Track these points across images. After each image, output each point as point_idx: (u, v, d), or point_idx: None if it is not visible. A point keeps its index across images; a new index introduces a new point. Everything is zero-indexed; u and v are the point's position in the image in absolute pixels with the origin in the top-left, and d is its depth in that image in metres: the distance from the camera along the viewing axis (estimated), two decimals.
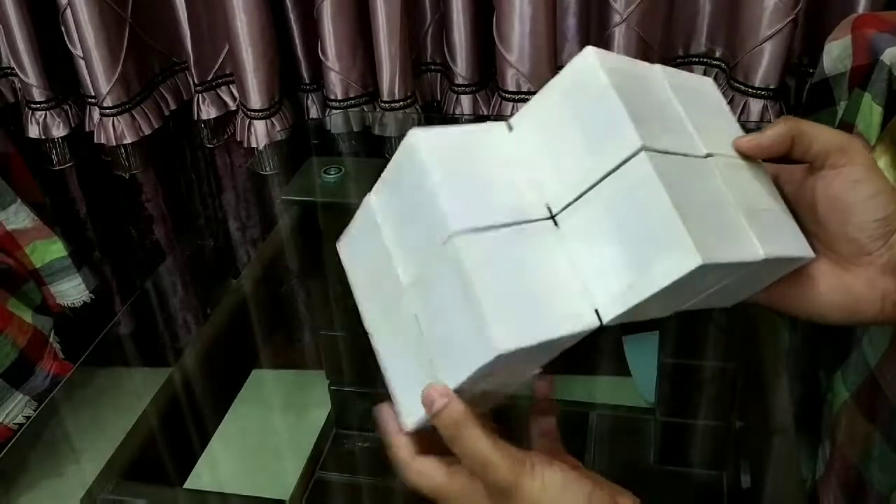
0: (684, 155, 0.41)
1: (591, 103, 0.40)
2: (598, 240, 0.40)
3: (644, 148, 0.38)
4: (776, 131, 0.43)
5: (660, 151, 0.39)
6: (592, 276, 0.40)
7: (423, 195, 0.41)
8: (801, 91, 1.08)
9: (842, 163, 0.42)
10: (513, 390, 0.45)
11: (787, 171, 0.46)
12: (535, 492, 0.39)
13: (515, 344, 0.37)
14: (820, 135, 0.43)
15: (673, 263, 0.37)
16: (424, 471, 0.43)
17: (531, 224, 0.41)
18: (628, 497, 0.41)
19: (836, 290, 0.43)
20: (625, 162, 0.39)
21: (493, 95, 1.12)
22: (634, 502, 0.41)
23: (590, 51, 0.41)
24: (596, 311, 0.39)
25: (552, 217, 0.41)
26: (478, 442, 0.39)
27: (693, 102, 0.45)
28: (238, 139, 1.19)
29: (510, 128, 0.43)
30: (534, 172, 0.42)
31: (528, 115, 0.43)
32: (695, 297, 0.43)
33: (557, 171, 0.41)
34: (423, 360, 0.41)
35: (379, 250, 0.45)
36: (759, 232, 0.41)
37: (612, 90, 0.40)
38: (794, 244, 0.43)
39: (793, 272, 0.44)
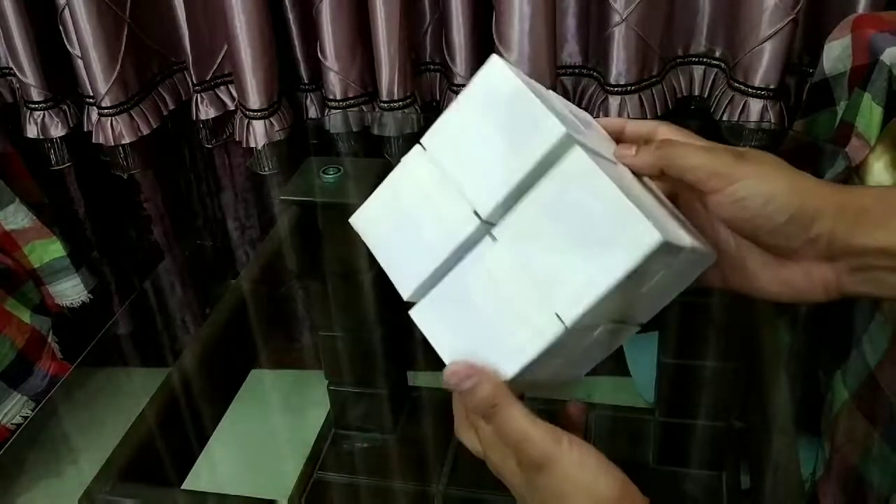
0: (600, 155, 0.42)
1: (505, 105, 0.41)
2: (547, 243, 0.40)
3: (568, 135, 0.39)
4: (643, 161, 0.44)
5: (581, 145, 0.40)
6: (547, 281, 0.40)
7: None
8: (801, 91, 1.08)
9: (719, 186, 0.41)
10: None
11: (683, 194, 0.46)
12: (572, 466, 0.39)
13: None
14: (689, 163, 0.42)
15: (633, 245, 0.37)
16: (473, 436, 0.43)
17: (468, 246, 0.42)
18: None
19: (777, 283, 0.44)
20: (552, 154, 0.39)
21: None
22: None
23: (497, 59, 0.42)
24: (557, 315, 0.39)
25: (487, 226, 0.42)
26: (514, 416, 0.40)
27: (584, 122, 0.46)
28: (237, 139, 1.19)
29: (423, 147, 0.44)
30: (457, 186, 0.42)
31: (440, 130, 0.44)
32: (636, 301, 0.43)
33: (482, 177, 0.41)
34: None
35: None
36: (680, 226, 0.42)
37: (527, 90, 0.41)
38: (704, 245, 0.44)
39: (733, 267, 0.45)
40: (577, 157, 0.39)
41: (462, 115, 0.43)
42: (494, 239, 0.42)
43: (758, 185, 0.41)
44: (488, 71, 0.42)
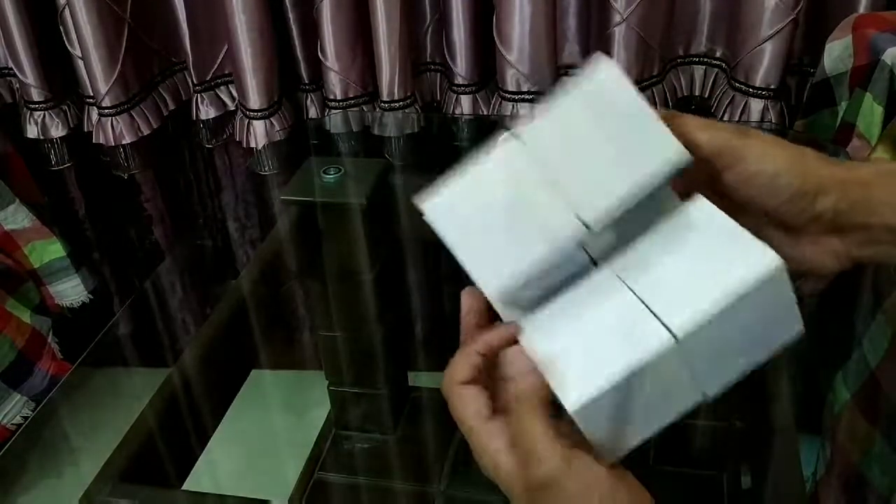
0: None
1: (617, 113, 0.40)
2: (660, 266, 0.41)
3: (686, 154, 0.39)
4: None
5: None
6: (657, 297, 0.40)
7: None
8: (802, 91, 1.08)
9: (728, 164, 0.41)
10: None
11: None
12: (577, 491, 0.38)
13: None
14: (697, 138, 0.42)
15: (750, 268, 0.38)
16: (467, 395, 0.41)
17: (568, 253, 0.40)
18: None
19: (792, 260, 0.43)
20: (670, 173, 0.39)
21: (492, 95, 1.12)
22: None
23: (607, 61, 0.40)
24: (668, 328, 0.39)
25: (590, 236, 0.40)
26: (536, 423, 0.38)
27: None
28: (237, 139, 1.19)
29: (520, 140, 0.41)
30: (562, 188, 0.40)
31: (543, 126, 0.41)
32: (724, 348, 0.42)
33: (590, 183, 0.40)
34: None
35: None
36: None
37: (642, 100, 0.39)
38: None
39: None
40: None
41: (568, 114, 0.40)
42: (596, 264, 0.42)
43: (762, 163, 0.41)
44: (599, 73, 0.40)
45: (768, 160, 0.41)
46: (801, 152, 0.41)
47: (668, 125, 0.41)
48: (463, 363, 0.42)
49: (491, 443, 0.40)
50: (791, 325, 0.41)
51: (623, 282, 0.41)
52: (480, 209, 0.40)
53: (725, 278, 0.38)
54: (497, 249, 0.40)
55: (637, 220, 0.41)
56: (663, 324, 0.38)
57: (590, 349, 0.39)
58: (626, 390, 0.39)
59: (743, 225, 0.42)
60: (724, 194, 0.43)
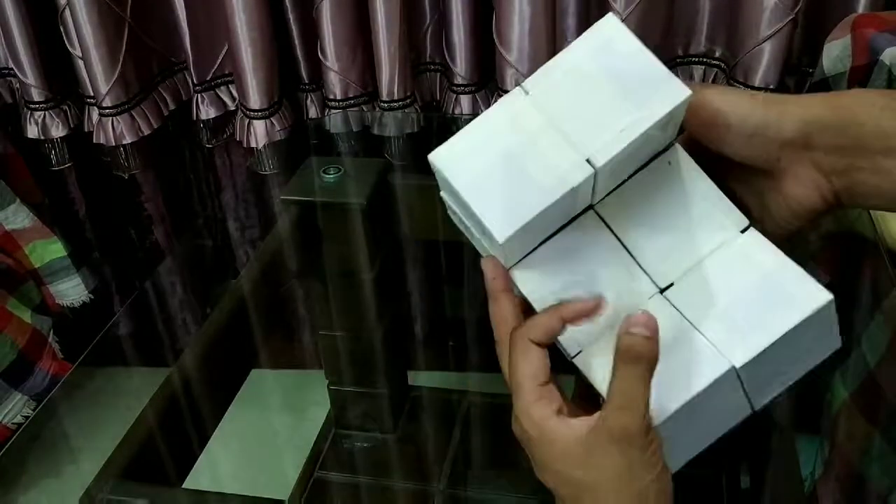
0: None
1: (621, 60, 0.40)
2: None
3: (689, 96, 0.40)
4: None
5: None
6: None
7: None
8: (801, 91, 1.08)
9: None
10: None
11: None
12: (646, 458, 0.40)
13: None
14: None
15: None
16: (531, 357, 0.42)
17: (577, 196, 0.41)
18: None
19: (778, 202, 0.44)
20: (675, 113, 0.40)
21: (492, 95, 1.12)
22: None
23: (613, 17, 0.41)
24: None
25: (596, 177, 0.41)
26: (634, 385, 0.39)
27: None
28: (237, 139, 1.19)
29: (526, 91, 0.42)
30: (567, 133, 0.40)
31: (547, 76, 0.42)
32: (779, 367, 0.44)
33: (596, 127, 0.40)
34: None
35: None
36: None
37: (645, 48, 0.40)
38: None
39: (744, 190, 0.46)
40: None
41: (572, 63, 0.41)
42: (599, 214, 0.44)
43: (721, 104, 0.41)
44: (603, 26, 0.41)
45: (725, 103, 0.41)
46: (757, 94, 0.42)
47: None
48: (543, 327, 0.42)
49: (540, 407, 0.41)
50: (831, 343, 0.45)
51: (679, 310, 0.43)
52: (487, 155, 0.41)
53: (782, 311, 0.41)
54: (505, 192, 0.40)
55: (637, 158, 0.43)
56: (721, 353, 0.41)
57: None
58: (685, 416, 0.41)
59: (726, 179, 0.44)
60: (700, 154, 0.44)
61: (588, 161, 0.39)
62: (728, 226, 0.43)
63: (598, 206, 0.44)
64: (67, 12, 1.10)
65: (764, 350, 0.41)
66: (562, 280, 0.43)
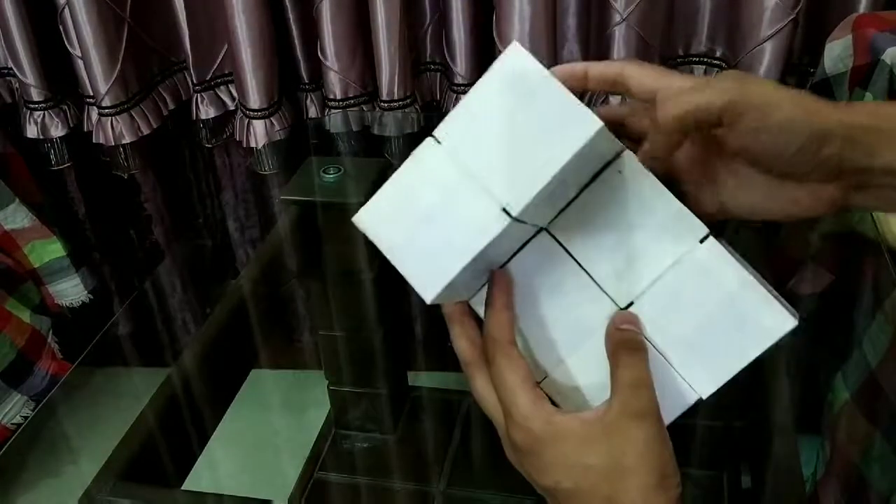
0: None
1: (529, 94, 0.39)
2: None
3: (604, 128, 0.38)
4: (673, 113, 0.40)
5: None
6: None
7: None
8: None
9: (732, 118, 0.39)
10: None
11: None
12: (663, 431, 0.40)
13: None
14: (696, 108, 0.39)
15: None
16: (517, 360, 0.42)
17: (499, 244, 0.40)
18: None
19: (783, 202, 0.43)
20: (587, 148, 0.38)
21: None
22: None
23: (518, 46, 0.40)
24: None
25: (519, 224, 0.40)
26: (641, 369, 0.41)
27: None
28: (237, 139, 1.19)
29: (437, 140, 0.40)
30: (481, 182, 0.39)
31: (456, 121, 0.40)
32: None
33: (510, 172, 0.39)
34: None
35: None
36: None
37: (553, 78, 0.38)
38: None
39: (738, 192, 0.44)
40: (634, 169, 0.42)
41: (480, 104, 0.40)
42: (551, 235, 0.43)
43: (770, 111, 0.39)
44: (508, 58, 0.39)
45: (776, 106, 0.39)
46: (800, 97, 0.39)
47: (660, 93, 0.40)
48: (504, 322, 0.42)
49: (543, 407, 0.41)
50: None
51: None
52: (407, 216, 0.40)
53: (748, 338, 0.42)
54: (427, 253, 0.40)
55: (575, 181, 0.42)
56: (688, 383, 0.43)
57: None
58: None
59: (733, 169, 0.43)
60: (722, 150, 0.42)
61: (504, 210, 0.38)
62: (686, 236, 0.42)
63: (550, 226, 0.43)
64: (67, 12, 1.10)
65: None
66: (521, 307, 0.43)
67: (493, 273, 0.44)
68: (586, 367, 0.44)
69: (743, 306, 0.41)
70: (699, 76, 0.43)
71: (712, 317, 0.41)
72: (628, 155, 0.42)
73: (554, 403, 0.42)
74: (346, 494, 0.99)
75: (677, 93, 0.40)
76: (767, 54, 0.99)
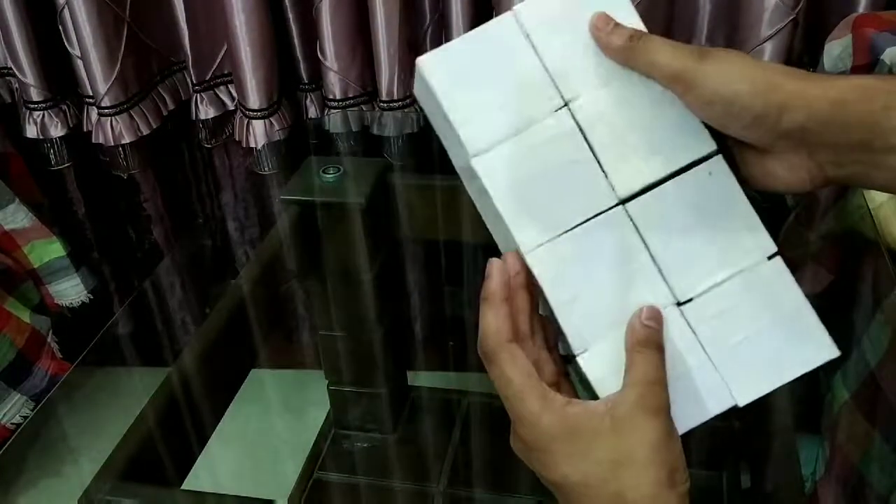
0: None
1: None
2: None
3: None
4: (612, 43, 0.43)
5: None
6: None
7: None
8: None
9: (681, 89, 0.41)
10: None
11: None
12: (668, 431, 0.40)
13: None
14: (655, 60, 0.42)
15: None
16: (517, 356, 0.42)
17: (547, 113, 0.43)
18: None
19: (763, 175, 0.43)
20: None
21: None
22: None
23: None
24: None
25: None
26: (658, 367, 0.41)
27: None
28: (237, 139, 1.19)
29: (519, 22, 0.44)
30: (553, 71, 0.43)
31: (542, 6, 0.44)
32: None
33: (579, 67, 0.43)
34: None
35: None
36: None
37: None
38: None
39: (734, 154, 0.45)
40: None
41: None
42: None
43: (718, 87, 0.40)
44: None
45: (724, 84, 0.40)
46: (765, 70, 0.40)
47: (630, 46, 0.42)
48: (503, 318, 0.42)
49: (553, 398, 0.41)
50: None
51: (692, 330, 0.44)
52: (475, 70, 0.43)
53: (791, 359, 0.43)
54: (485, 108, 0.43)
55: None
56: (727, 386, 0.43)
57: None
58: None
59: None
60: None
61: (563, 98, 0.43)
62: (755, 250, 0.43)
63: (629, 206, 0.43)
64: (66, 12, 1.10)
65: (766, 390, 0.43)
66: (580, 274, 0.43)
67: (490, 263, 0.43)
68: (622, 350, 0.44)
69: (795, 328, 0.43)
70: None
71: (764, 331, 0.43)
72: (720, 160, 0.43)
73: (581, 385, 0.43)
74: (345, 494, 0.99)
75: (655, 42, 0.42)
76: (767, 54, 0.99)
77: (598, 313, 0.43)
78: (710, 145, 0.43)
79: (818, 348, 0.43)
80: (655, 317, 0.42)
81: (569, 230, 0.43)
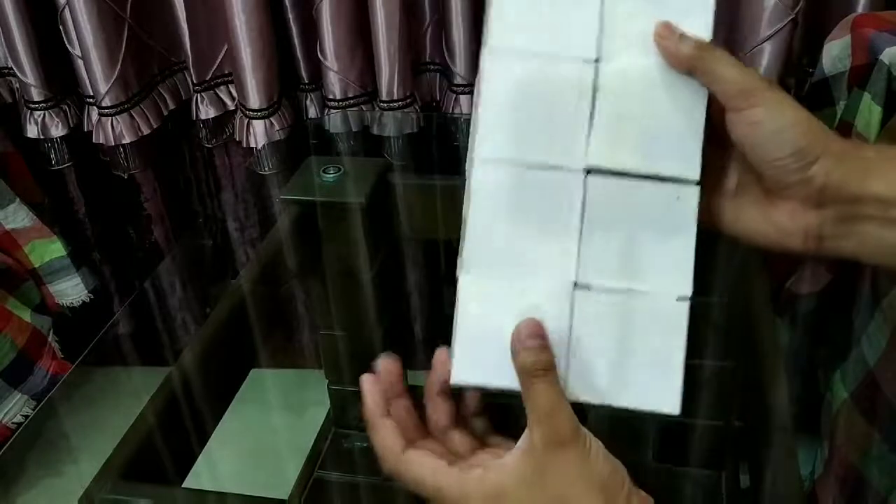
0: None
1: None
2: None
3: None
4: (679, 51, 0.43)
5: None
6: None
7: None
8: (801, 91, 1.08)
9: (743, 106, 0.42)
10: None
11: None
12: (592, 453, 0.40)
13: None
14: (723, 73, 0.42)
15: None
16: (416, 460, 0.42)
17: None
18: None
19: (762, 221, 0.44)
20: None
21: None
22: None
23: None
24: None
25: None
26: (557, 388, 0.41)
27: None
28: (237, 139, 1.19)
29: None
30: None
31: None
32: None
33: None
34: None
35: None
36: None
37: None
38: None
39: (724, 200, 0.46)
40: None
41: None
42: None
43: (776, 113, 0.41)
44: None
45: (782, 113, 0.41)
46: (812, 118, 0.42)
47: (700, 56, 0.42)
48: (389, 433, 0.44)
49: (462, 472, 0.41)
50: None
51: (570, 321, 0.44)
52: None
53: (636, 391, 0.43)
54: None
55: None
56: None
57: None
58: None
59: (728, 170, 0.45)
60: (722, 137, 0.44)
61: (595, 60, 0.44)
62: (670, 285, 0.43)
63: (590, 177, 0.43)
64: (67, 12, 1.10)
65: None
66: (509, 206, 0.43)
67: (361, 383, 0.47)
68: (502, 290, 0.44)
69: (656, 370, 0.43)
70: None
71: (628, 355, 0.43)
72: (695, 191, 0.44)
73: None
74: (345, 494, 0.99)
75: (725, 55, 0.43)
76: (767, 54, 0.99)
77: (502, 248, 0.43)
78: (696, 174, 0.43)
79: (663, 399, 0.43)
80: (535, 332, 0.42)
81: (526, 165, 0.43)
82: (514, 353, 0.42)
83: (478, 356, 0.43)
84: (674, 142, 0.43)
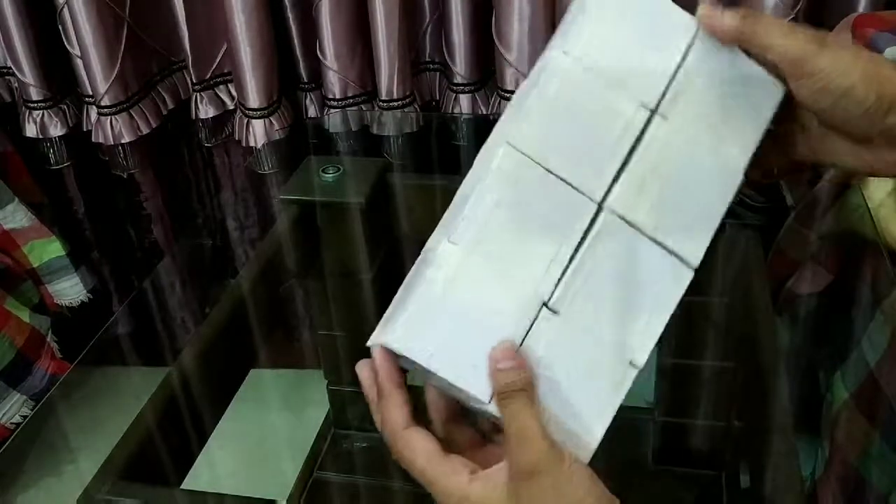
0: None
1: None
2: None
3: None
4: (726, 24, 0.42)
5: None
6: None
7: None
8: None
9: (798, 74, 0.41)
10: None
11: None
12: (565, 481, 0.38)
13: None
14: (773, 42, 0.41)
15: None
16: (414, 439, 0.42)
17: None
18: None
19: (851, 157, 0.44)
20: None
21: (492, 95, 1.12)
22: None
23: None
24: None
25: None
26: (532, 412, 0.39)
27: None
28: (236, 138, 1.19)
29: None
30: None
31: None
32: None
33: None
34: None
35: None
36: None
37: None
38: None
39: (809, 137, 0.46)
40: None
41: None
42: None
43: (836, 77, 0.40)
44: None
45: (843, 74, 0.40)
46: (876, 63, 0.40)
47: (744, 26, 0.42)
48: (397, 409, 0.43)
49: (455, 480, 0.40)
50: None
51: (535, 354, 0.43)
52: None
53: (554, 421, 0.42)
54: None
55: None
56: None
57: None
58: None
59: (807, 131, 0.45)
60: (792, 101, 0.43)
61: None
62: (628, 353, 0.43)
63: (602, 213, 0.43)
64: (66, 11, 1.10)
65: None
66: (516, 200, 0.43)
67: (359, 367, 0.45)
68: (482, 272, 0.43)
69: (583, 420, 0.42)
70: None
71: (561, 394, 0.42)
72: (690, 274, 0.44)
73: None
74: (345, 494, 0.99)
75: (772, 22, 0.42)
76: None
77: (495, 235, 0.42)
78: (696, 260, 0.44)
79: (578, 444, 0.41)
80: (509, 355, 0.40)
81: (548, 170, 0.43)
82: (491, 374, 0.40)
83: (425, 329, 0.42)
84: (690, 221, 0.43)
